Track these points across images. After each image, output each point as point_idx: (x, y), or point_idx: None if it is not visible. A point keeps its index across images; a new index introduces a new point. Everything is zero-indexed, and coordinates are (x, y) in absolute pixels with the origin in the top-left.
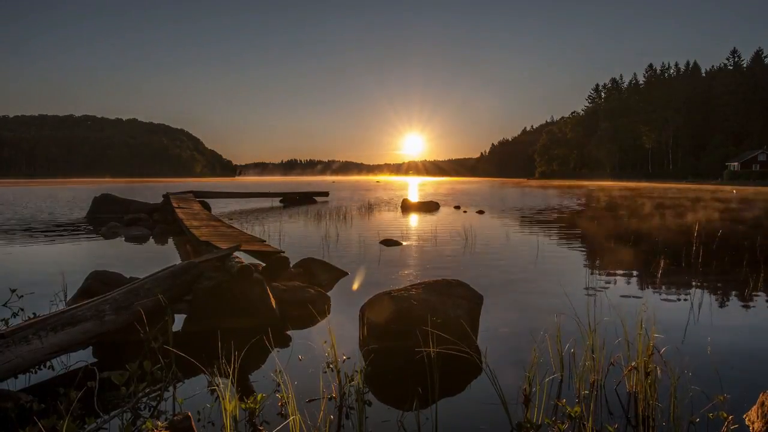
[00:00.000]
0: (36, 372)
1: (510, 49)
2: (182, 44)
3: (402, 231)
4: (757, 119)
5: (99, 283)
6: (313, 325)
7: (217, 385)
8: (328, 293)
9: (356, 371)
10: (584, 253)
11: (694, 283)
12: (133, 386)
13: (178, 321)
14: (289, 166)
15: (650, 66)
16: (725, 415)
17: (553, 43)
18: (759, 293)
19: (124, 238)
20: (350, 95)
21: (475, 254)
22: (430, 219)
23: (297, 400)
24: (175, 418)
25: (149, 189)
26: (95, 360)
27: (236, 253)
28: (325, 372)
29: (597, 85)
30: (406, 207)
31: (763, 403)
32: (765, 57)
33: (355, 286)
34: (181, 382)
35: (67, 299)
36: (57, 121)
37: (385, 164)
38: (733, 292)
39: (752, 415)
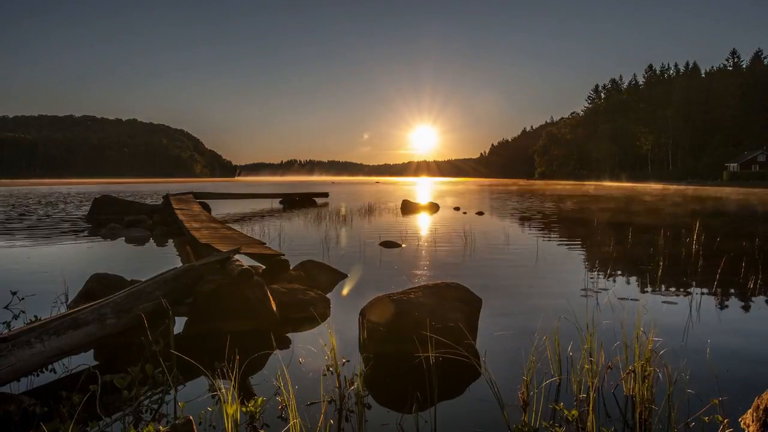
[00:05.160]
0: (38, 375)
1: (510, 49)
2: (182, 45)
3: (402, 232)
4: (756, 120)
5: (100, 285)
6: (313, 328)
7: (219, 389)
8: (328, 295)
9: (356, 374)
10: (583, 254)
11: (692, 285)
12: (135, 389)
13: (179, 324)
14: (289, 167)
15: (650, 67)
16: (720, 418)
17: (553, 43)
18: (758, 296)
19: (124, 240)
20: (351, 97)
21: (474, 256)
22: (429, 220)
23: (297, 404)
24: (177, 422)
25: (149, 189)
26: (96, 363)
27: (236, 256)
28: (325, 375)
29: (597, 86)
30: (405, 208)
31: (758, 407)
32: (764, 58)
33: (355, 288)
34: (183, 385)
35: (68, 302)
36: (57, 121)
37: (385, 164)
38: (732, 295)
39: (747, 419)
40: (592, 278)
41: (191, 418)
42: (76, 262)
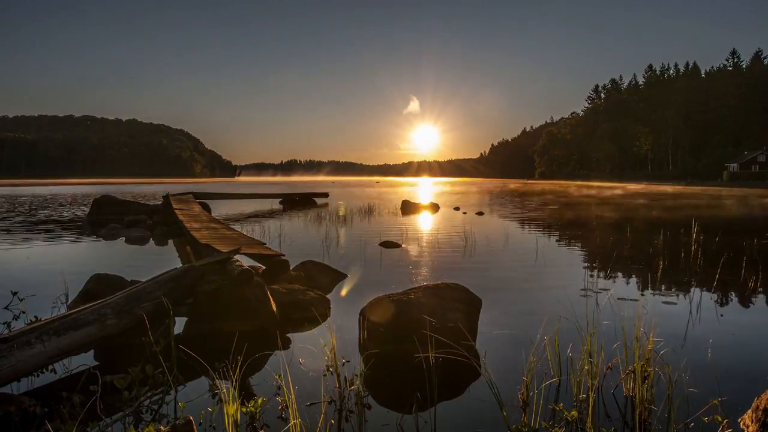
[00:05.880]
0: (38, 375)
1: (511, 49)
2: (182, 45)
3: (402, 233)
4: (756, 120)
5: (100, 286)
6: (314, 328)
7: (219, 389)
8: (328, 296)
9: (356, 375)
10: (582, 254)
11: (692, 285)
12: (135, 390)
13: (179, 324)
14: (289, 167)
15: (650, 67)
16: (720, 419)
17: (553, 43)
18: (757, 296)
19: (124, 240)
20: (352, 96)
21: (474, 256)
22: (429, 220)
23: (297, 404)
24: (177, 422)
25: (149, 190)
26: (97, 363)
27: (236, 256)
28: (325, 375)
29: (597, 86)
30: (405, 208)
31: (757, 407)
32: (764, 58)
33: (355, 288)
34: (183, 385)
35: (69, 302)
36: (57, 121)
37: (385, 164)
38: (732, 295)
39: (747, 419)
40: (591, 278)
41: (191, 418)
42: (76, 262)
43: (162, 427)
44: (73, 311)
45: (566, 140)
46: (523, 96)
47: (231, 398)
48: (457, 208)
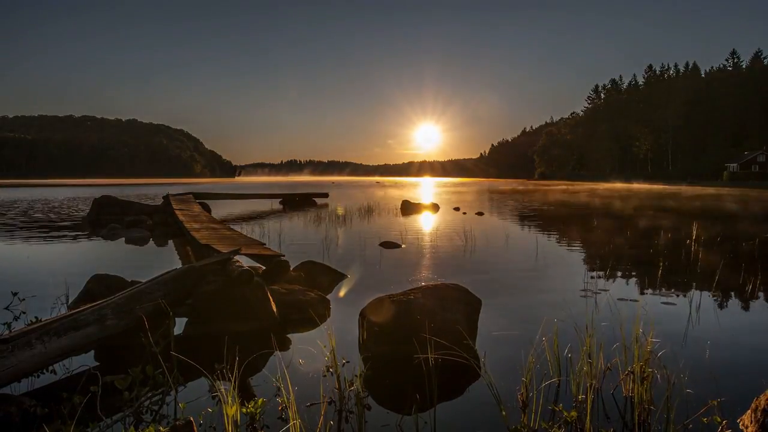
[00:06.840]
0: (39, 376)
1: (511, 50)
2: (182, 44)
3: (401, 233)
4: (756, 120)
5: (100, 286)
6: (313, 329)
7: (219, 390)
8: (328, 296)
9: (356, 375)
10: (582, 254)
11: (692, 286)
12: (136, 391)
13: (179, 325)
14: (289, 167)
15: (650, 67)
16: (719, 419)
17: (553, 43)
18: (757, 297)
19: (124, 240)
20: (352, 96)
21: (474, 256)
22: (429, 221)
23: (297, 405)
24: (177, 423)
25: (148, 190)
26: (97, 364)
27: (236, 257)
28: (325, 376)
29: (596, 86)
30: (405, 209)
31: (756, 408)
32: (764, 58)
33: (355, 289)
34: (183, 386)
35: (69, 302)
36: (57, 121)
37: (385, 164)
38: (731, 296)
39: (746, 420)
40: (591, 279)
41: (191, 419)
42: (77, 263)
43: (162, 428)
44: (73, 312)
45: (566, 140)
46: (523, 96)
47: (231, 399)
48: (457, 209)
